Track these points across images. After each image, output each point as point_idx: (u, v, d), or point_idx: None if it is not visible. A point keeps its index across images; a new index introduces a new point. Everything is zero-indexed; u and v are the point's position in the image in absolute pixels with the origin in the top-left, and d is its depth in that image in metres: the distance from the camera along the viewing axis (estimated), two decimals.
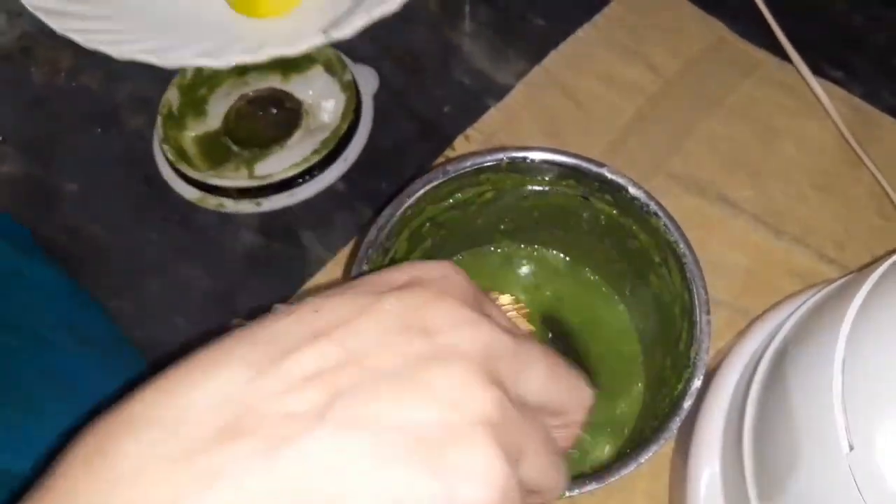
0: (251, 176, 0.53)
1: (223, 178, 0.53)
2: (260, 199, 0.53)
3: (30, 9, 0.49)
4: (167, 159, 0.54)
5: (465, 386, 0.21)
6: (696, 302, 0.35)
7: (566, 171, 0.40)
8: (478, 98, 0.58)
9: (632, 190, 0.38)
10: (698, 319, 0.35)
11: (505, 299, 0.27)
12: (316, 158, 0.53)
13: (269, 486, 0.19)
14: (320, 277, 0.51)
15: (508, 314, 0.26)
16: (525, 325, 0.26)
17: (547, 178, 0.41)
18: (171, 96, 0.55)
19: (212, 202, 0.54)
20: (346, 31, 0.49)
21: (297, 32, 0.49)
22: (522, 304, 0.27)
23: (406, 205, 0.39)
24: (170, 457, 0.19)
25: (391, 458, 0.19)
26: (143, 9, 0.53)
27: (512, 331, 0.24)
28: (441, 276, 0.24)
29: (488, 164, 0.40)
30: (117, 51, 0.47)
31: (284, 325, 0.22)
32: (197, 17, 0.53)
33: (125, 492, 0.19)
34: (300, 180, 0.53)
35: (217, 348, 0.22)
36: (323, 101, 0.56)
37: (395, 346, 0.21)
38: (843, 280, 0.38)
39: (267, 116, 0.56)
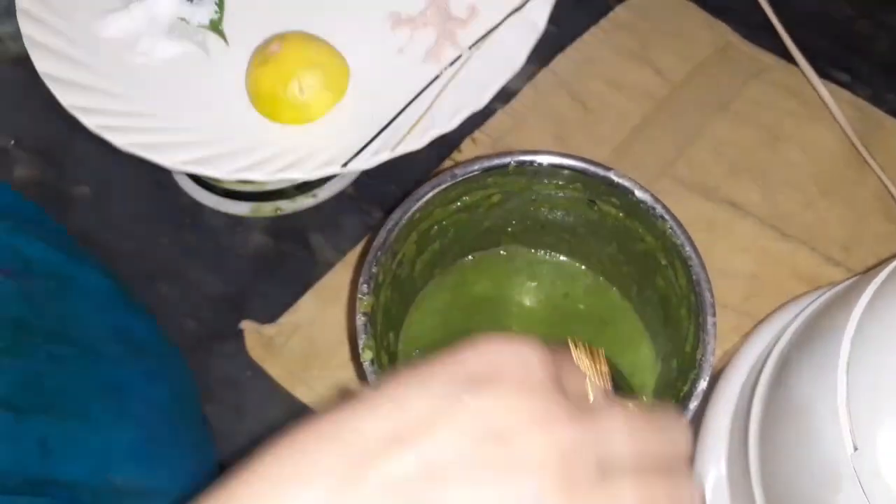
0: None
1: (279, 181, 0.52)
2: (316, 191, 0.54)
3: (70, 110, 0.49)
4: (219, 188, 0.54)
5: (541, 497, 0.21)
6: (702, 304, 0.36)
7: (573, 175, 0.41)
8: None
9: (638, 193, 0.38)
10: (704, 321, 0.35)
11: (581, 355, 0.26)
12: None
13: None
14: (329, 279, 0.52)
15: (585, 370, 0.26)
16: (603, 378, 0.26)
17: (554, 182, 0.42)
18: None
19: (267, 209, 0.54)
20: (365, 165, 0.48)
21: (314, 156, 0.48)
22: (597, 352, 0.27)
23: (414, 208, 0.40)
24: None
25: None
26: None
27: (588, 406, 0.24)
28: (519, 363, 0.23)
29: (496, 167, 0.41)
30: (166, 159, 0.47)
31: (366, 424, 0.22)
32: (224, 119, 0.51)
33: None
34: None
35: (302, 456, 0.22)
36: None
37: (472, 460, 0.21)
38: (847, 283, 0.39)
39: None
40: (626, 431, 0.24)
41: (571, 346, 0.26)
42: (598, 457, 0.23)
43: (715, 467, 0.41)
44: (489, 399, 0.22)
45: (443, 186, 0.40)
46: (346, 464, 0.21)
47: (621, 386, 0.42)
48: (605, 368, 0.26)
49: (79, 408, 0.36)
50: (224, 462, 0.45)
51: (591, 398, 0.25)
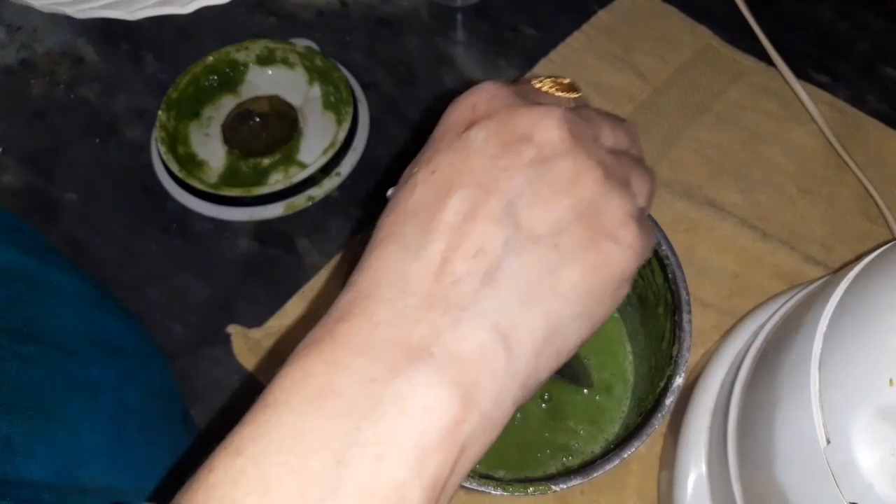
0: (301, 164, 0.56)
1: (305, 169, 0.55)
2: (340, 170, 0.56)
3: None
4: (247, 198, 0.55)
5: (580, 170, 0.25)
6: (679, 302, 0.36)
7: None
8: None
9: None
10: (680, 319, 0.36)
11: (546, 82, 0.29)
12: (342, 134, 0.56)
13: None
14: (315, 283, 0.52)
15: (554, 90, 0.30)
16: (573, 94, 0.29)
17: None
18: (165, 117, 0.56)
19: (300, 202, 0.55)
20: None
21: None
22: (560, 77, 0.30)
23: None
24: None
25: (568, 253, 0.24)
26: None
27: (568, 106, 0.28)
28: (490, 96, 0.27)
29: None
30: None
31: (419, 197, 0.25)
32: None
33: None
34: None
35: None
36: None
37: (512, 161, 0.25)
38: (821, 281, 0.39)
39: (264, 123, 0.58)
40: (602, 116, 0.29)
41: (546, 78, 0.30)
42: (596, 134, 0.27)
43: (696, 465, 0.41)
44: (491, 125, 0.26)
45: None
46: (418, 229, 0.25)
47: (580, 373, 0.42)
48: (568, 84, 0.30)
49: (46, 406, 0.36)
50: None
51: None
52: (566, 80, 0.31)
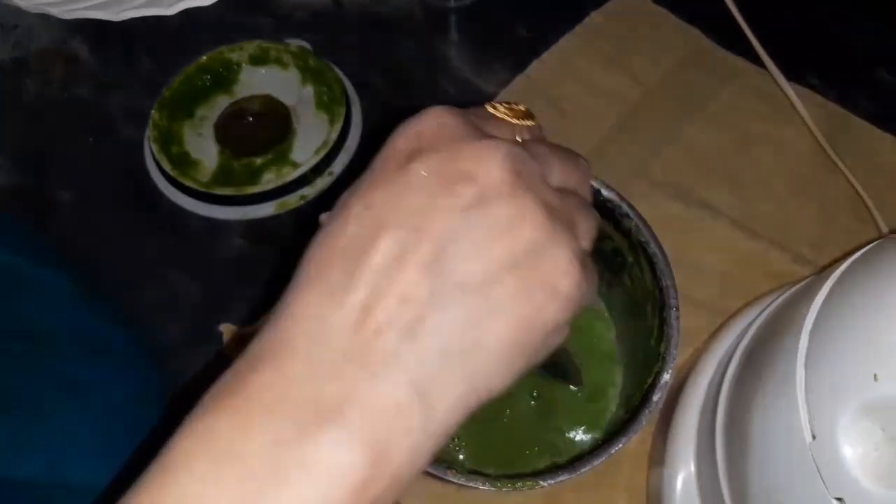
0: (294, 164, 0.56)
1: (297, 169, 0.55)
2: (332, 169, 0.56)
3: None
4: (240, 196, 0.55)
5: (520, 213, 0.24)
6: (667, 299, 0.37)
7: None
8: (463, 107, 0.59)
9: (605, 192, 0.39)
10: (668, 316, 0.36)
11: (500, 108, 0.29)
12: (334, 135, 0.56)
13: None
14: None
15: (507, 117, 0.29)
16: (527, 122, 0.29)
17: None
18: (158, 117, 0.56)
19: (293, 201, 0.55)
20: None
21: None
22: (515, 103, 0.29)
23: None
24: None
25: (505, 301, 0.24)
26: None
27: (520, 140, 0.28)
28: (437, 124, 0.26)
29: None
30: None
31: (350, 234, 0.24)
32: None
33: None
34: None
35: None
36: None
37: (451, 203, 0.24)
38: (808, 280, 0.39)
39: (257, 122, 0.58)
40: (553, 152, 0.28)
41: (500, 105, 0.29)
42: (543, 173, 0.26)
43: (685, 464, 0.42)
44: (432, 161, 0.25)
45: None
46: (344, 275, 0.23)
47: (569, 371, 0.42)
48: (523, 111, 0.30)
49: (31, 404, 0.36)
50: None
51: (519, 139, 0.29)
52: (521, 107, 0.30)
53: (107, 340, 0.44)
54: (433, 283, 0.23)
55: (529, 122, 0.29)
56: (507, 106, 0.29)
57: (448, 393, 0.23)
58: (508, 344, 0.24)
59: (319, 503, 0.21)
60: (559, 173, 0.28)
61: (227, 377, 0.23)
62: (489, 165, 0.24)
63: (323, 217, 0.26)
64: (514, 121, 0.29)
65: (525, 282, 0.24)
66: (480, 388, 0.24)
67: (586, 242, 0.27)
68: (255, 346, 0.23)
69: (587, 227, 0.28)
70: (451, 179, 0.24)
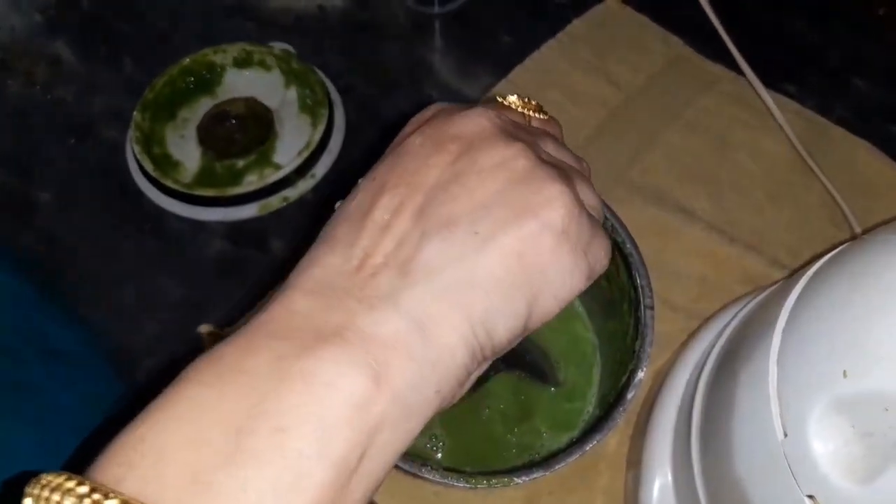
0: (276, 166, 0.56)
1: (279, 171, 0.55)
2: (315, 171, 0.56)
3: None
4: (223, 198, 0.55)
5: (508, 152, 0.26)
6: (642, 297, 0.37)
7: None
8: None
9: None
10: (643, 314, 0.37)
11: (510, 98, 0.30)
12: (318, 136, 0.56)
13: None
14: None
15: (520, 109, 0.30)
16: (540, 115, 0.30)
17: None
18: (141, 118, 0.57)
19: (275, 203, 0.55)
20: None
21: None
22: (528, 98, 0.30)
23: None
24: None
25: (497, 228, 0.25)
26: None
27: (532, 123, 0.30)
28: (440, 109, 0.29)
29: None
30: None
31: (356, 201, 0.26)
32: None
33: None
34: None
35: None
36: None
37: (441, 159, 0.26)
38: (783, 281, 0.40)
39: (240, 125, 0.58)
40: (554, 143, 0.29)
41: (514, 97, 0.30)
42: (535, 140, 0.28)
43: (661, 465, 0.42)
44: (428, 129, 0.27)
45: None
46: (356, 230, 0.25)
47: (547, 371, 0.43)
48: (535, 105, 0.31)
49: None
50: None
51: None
52: (533, 102, 0.31)
53: (58, 344, 0.44)
54: (424, 225, 0.24)
55: (542, 116, 0.31)
56: (518, 97, 0.31)
57: (448, 330, 0.24)
58: (501, 277, 0.24)
59: (319, 412, 0.21)
60: (553, 149, 0.29)
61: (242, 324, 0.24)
62: (478, 120, 0.27)
63: (338, 204, 0.28)
64: (527, 111, 0.30)
65: (514, 211, 0.25)
66: (478, 323, 0.24)
67: (588, 199, 0.28)
68: (268, 298, 0.25)
69: (587, 189, 0.28)
70: (442, 141, 0.26)
